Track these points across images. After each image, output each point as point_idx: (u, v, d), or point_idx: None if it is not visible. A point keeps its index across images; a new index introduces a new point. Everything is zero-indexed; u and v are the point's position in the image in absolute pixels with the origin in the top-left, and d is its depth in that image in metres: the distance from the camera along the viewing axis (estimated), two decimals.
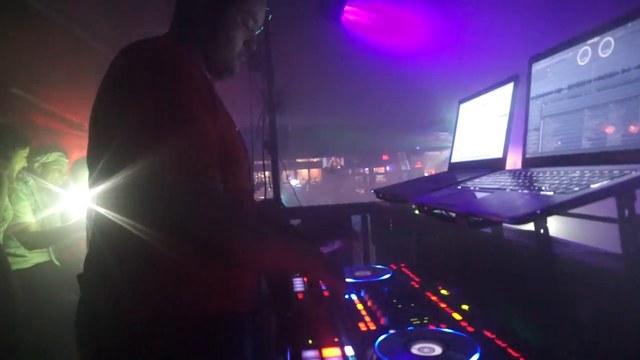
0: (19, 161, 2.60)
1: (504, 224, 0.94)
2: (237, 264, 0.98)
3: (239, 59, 1.13)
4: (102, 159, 0.90)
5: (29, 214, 2.59)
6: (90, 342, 0.95)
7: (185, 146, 0.85)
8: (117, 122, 0.87)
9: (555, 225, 1.03)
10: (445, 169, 1.68)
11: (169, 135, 0.84)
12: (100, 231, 0.96)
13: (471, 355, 0.80)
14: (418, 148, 12.05)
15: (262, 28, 1.18)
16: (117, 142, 0.86)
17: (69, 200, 2.81)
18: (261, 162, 2.84)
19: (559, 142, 1.04)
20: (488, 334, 0.93)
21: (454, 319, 1.04)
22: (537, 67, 1.16)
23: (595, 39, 0.96)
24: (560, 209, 0.72)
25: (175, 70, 0.90)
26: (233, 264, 0.98)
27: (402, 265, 1.57)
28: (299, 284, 1.35)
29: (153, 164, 0.81)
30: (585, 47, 0.99)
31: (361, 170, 14.52)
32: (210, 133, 0.91)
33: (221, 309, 0.99)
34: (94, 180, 0.93)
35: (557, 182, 0.84)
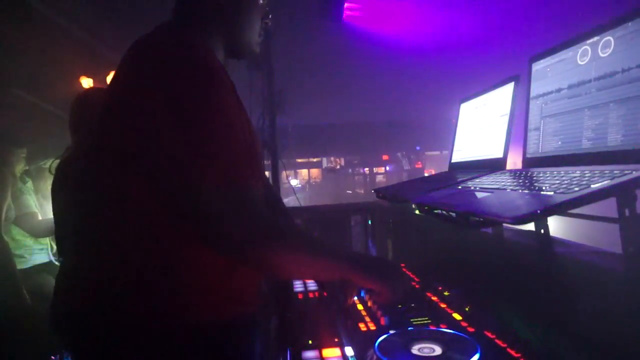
0: (19, 161, 2.63)
1: (504, 224, 0.94)
2: (273, 274, 0.93)
3: (260, 37, 1.10)
4: (118, 156, 0.85)
5: (33, 206, 2.63)
6: (77, 342, 0.93)
7: (224, 152, 0.81)
8: (148, 119, 0.81)
9: (556, 225, 1.03)
10: (445, 169, 1.68)
11: (205, 139, 0.80)
12: (99, 226, 0.90)
13: (471, 356, 0.80)
14: (418, 148, 12.06)
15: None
16: (146, 140, 0.81)
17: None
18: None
19: (559, 142, 1.04)
20: (488, 334, 0.93)
21: (454, 319, 1.04)
22: (537, 66, 1.16)
23: (595, 39, 0.96)
24: (560, 209, 0.72)
25: (204, 71, 0.84)
26: (267, 274, 0.94)
27: (402, 265, 1.57)
28: (298, 284, 1.35)
29: (188, 169, 0.78)
30: (585, 47, 0.99)
31: (361, 170, 14.52)
32: (243, 135, 0.88)
33: (226, 312, 0.93)
34: (104, 176, 0.88)
35: (557, 182, 0.84)
